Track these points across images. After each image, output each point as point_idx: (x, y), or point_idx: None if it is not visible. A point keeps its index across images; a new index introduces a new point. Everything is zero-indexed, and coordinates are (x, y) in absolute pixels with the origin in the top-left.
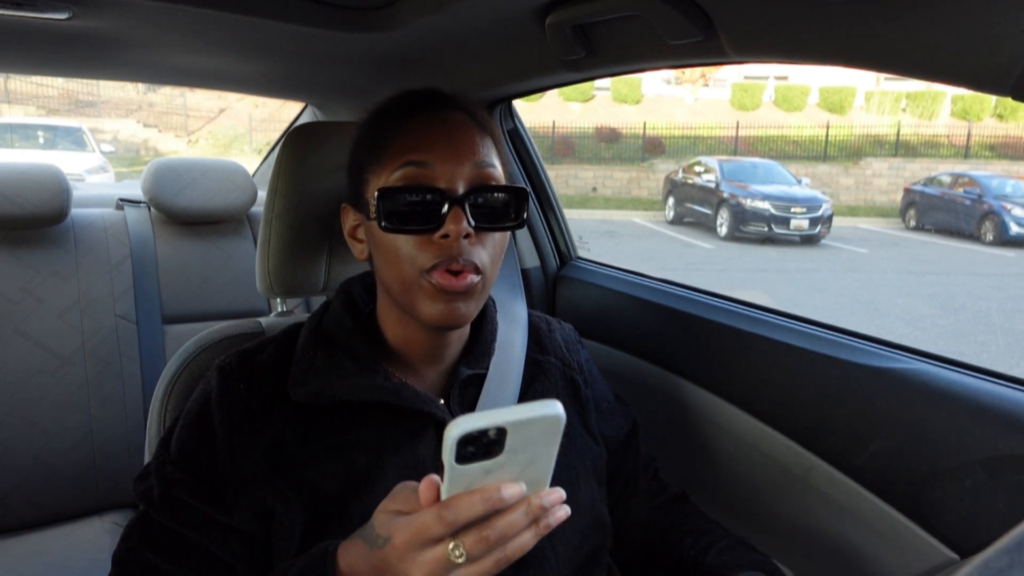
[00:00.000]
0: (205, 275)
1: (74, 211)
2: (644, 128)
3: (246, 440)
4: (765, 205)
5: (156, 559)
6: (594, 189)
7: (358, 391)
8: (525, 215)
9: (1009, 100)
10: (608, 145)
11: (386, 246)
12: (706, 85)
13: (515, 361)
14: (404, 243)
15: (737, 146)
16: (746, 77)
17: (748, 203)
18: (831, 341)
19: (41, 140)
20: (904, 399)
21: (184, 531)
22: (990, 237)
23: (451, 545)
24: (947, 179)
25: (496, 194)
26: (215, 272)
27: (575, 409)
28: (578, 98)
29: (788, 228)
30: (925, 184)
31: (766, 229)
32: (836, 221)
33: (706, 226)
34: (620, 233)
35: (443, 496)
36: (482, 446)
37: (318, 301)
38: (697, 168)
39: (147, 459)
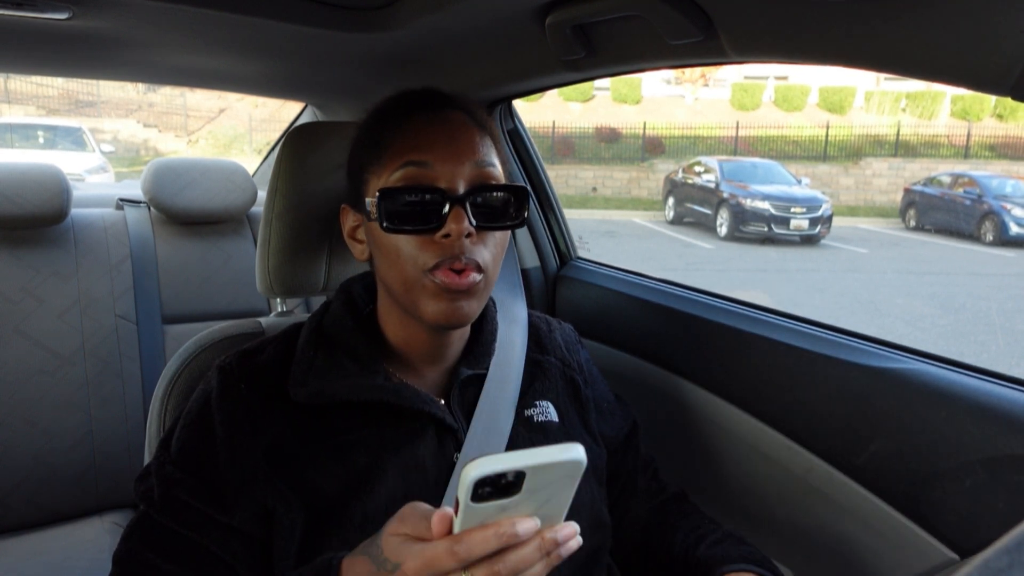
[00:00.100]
0: (205, 275)
1: (74, 211)
2: (644, 128)
3: (246, 440)
4: (765, 205)
5: (157, 559)
6: (594, 189)
7: (358, 391)
8: (526, 214)
9: (1009, 100)
10: (608, 145)
11: (387, 246)
12: (706, 85)
13: (515, 361)
14: (405, 243)
15: (737, 146)
16: (746, 77)
17: (748, 203)
18: (831, 341)
19: (41, 140)
20: (904, 399)
21: (184, 531)
22: (990, 237)
23: None
24: (947, 179)
25: (497, 193)
26: (215, 272)
27: (575, 409)
28: (578, 98)
29: (788, 228)
30: (925, 184)
31: (766, 229)
32: (836, 221)
33: (706, 226)
34: (620, 233)
35: (456, 529)
36: (499, 487)
37: (318, 301)
38: (697, 168)
39: (147, 459)
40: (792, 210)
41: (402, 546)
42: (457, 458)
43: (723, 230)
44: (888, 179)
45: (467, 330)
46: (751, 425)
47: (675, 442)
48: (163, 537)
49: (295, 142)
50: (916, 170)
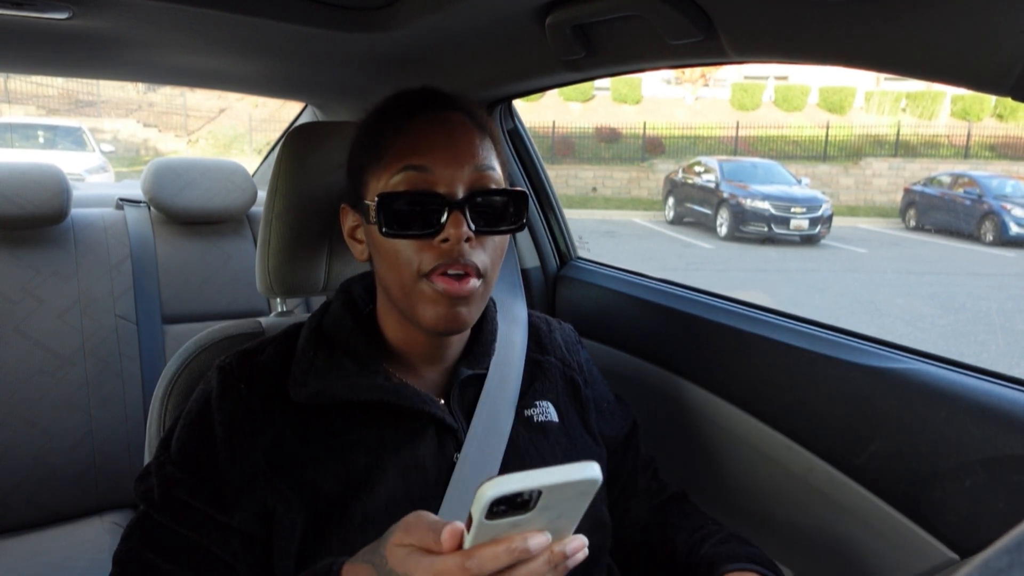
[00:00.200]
0: (205, 275)
1: (74, 211)
2: (644, 128)
3: (246, 440)
4: (765, 205)
5: (157, 559)
6: (594, 189)
7: (358, 391)
8: (525, 218)
9: (1009, 100)
10: (608, 145)
11: (386, 249)
12: (706, 85)
13: (515, 361)
14: (404, 247)
15: (737, 146)
16: (746, 77)
17: (748, 203)
18: (831, 341)
19: (41, 140)
20: (904, 399)
21: (185, 531)
22: (990, 237)
23: None
24: (947, 179)
25: (496, 197)
26: (215, 272)
27: (575, 409)
28: (578, 98)
29: (788, 228)
30: (925, 184)
31: (766, 229)
32: (836, 221)
33: (706, 226)
34: (620, 233)
35: (467, 544)
36: (514, 504)
37: (318, 301)
38: (697, 168)
39: (147, 459)
40: (792, 210)
41: (409, 557)
42: (457, 458)
43: (723, 230)
44: (888, 179)
45: (467, 330)
46: (751, 425)
47: (675, 442)
48: (163, 537)
49: (295, 142)
50: (916, 170)
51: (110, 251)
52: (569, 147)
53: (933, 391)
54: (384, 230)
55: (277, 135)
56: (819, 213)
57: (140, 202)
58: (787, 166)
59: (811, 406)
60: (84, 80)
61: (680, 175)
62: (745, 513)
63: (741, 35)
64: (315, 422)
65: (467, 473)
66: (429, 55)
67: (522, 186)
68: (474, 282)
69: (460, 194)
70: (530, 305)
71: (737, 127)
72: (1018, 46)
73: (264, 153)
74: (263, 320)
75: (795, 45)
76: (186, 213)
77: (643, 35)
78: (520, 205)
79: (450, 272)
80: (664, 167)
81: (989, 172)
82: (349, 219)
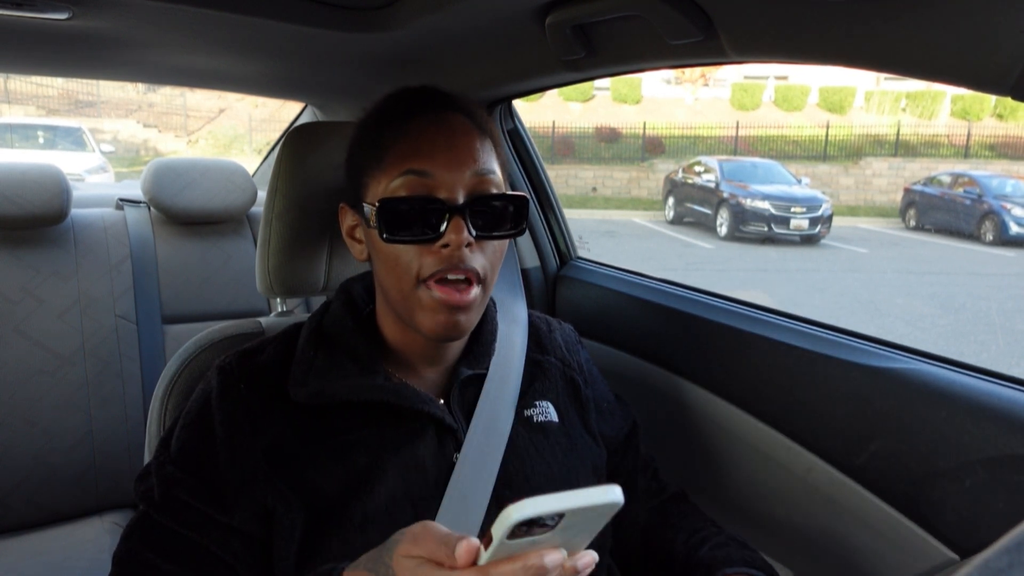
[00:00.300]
0: (205, 275)
1: (74, 211)
2: (644, 128)
3: (246, 440)
4: (765, 205)
5: (157, 559)
6: (594, 189)
7: (358, 391)
8: (525, 222)
9: (1009, 100)
10: (608, 145)
11: (386, 253)
12: (706, 85)
13: (515, 361)
14: (404, 251)
15: (737, 146)
16: (746, 77)
17: (748, 203)
18: (831, 341)
19: (41, 140)
20: (904, 399)
21: (184, 531)
22: (990, 237)
23: None
24: (947, 179)
25: (497, 202)
26: (215, 272)
27: (575, 409)
28: (578, 98)
29: (788, 228)
30: (925, 184)
31: (766, 229)
32: (836, 221)
33: (706, 226)
34: (620, 233)
35: (482, 561)
36: (535, 525)
37: (318, 301)
38: (697, 168)
39: (147, 459)
40: (792, 210)
41: (419, 570)
42: (457, 458)
43: (723, 230)
44: (888, 179)
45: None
46: (751, 425)
47: (675, 442)
48: (163, 537)
49: (295, 142)
50: (916, 170)
51: (110, 251)
52: (569, 147)
53: (933, 391)
54: (385, 236)
55: (277, 135)
56: (819, 213)
57: (140, 202)
58: (787, 166)
59: (811, 406)
60: (84, 80)
61: (680, 175)
62: (745, 513)
63: (741, 35)
64: (315, 422)
65: (467, 473)
66: (429, 55)
67: (522, 186)
68: (474, 292)
69: (461, 199)
70: (530, 305)
71: (737, 127)
72: (1018, 46)
73: (264, 153)
74: (263, 320)
75: (795, 45)
76: (186, 213)
77: (643, 35)
78: (521, 209)
79: (450, 277)
80: (664, 167)
81: (989, 172)
82: (348, 219)
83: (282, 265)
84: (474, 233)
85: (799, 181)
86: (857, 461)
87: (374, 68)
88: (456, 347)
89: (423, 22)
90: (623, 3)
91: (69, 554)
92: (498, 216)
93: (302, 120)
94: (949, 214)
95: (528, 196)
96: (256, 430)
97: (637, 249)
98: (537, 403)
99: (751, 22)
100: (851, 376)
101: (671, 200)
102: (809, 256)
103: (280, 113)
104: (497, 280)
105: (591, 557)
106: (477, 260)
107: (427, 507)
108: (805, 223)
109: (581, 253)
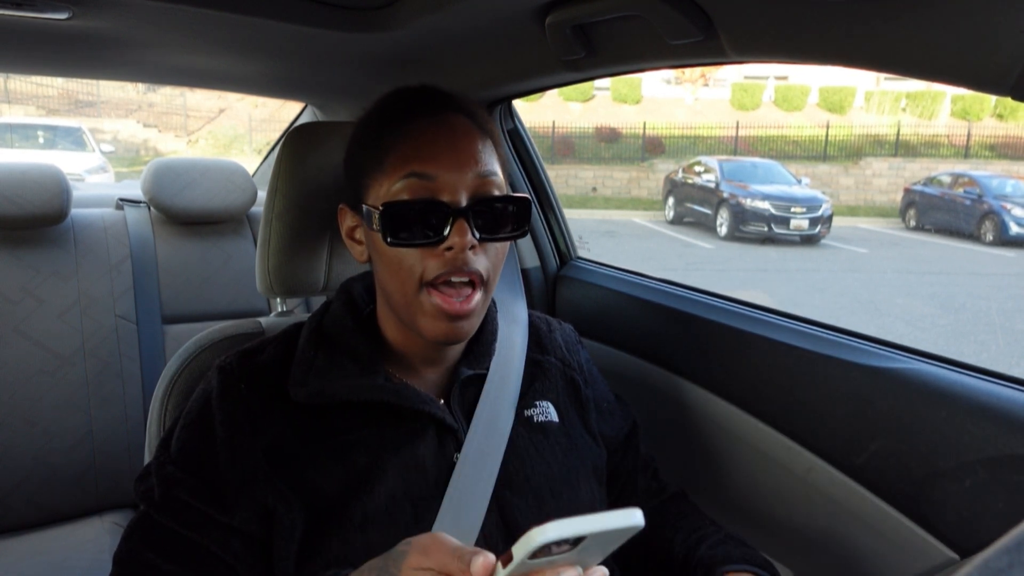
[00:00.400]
0: (205, 275)
1: (74, 211)
2: (644, 128)
3: (247, 440)
4: (765, 205)
5: (157, 559)
6: (594, 189)
7: (359, 391)
8: (528, 224)
9: (1009, 100)
10: (608, 145)
11: (388, 256)
12: (706, 85)
13: (515, 361)
14: (407, 254)
15: (737, 146)
16: (746, 77)
17: (748, 203)
18: (831, 341)
19: (41, 140)
20: (904, 399)
21: (185, 531)
22: (990, 237)
23: None
24: (947, 179)
25: (499, 204)
26: (215, 272)
27: (575, 409)
28: (578, 98)
29: (788, 228)
30: (925, 184)
31: (766, 229)
32: (836, 221)
33: (706, 226)
34: (620, 233)
35: (498, 575)
36: (555, 545)
37: (318, 301)
38: (697, 168)
39: (147, 459)
40: (792, 210)
41: None
42: (457, 458)
43: (723, 230)
44: (888, 179)
45: None
46: (751, 425)
47: (675, 442)
48: (163, 537)
49: (295, 142)
50: (916, 170)
51: (110, 251)
52: (569, 147)
53: (933, 391)
54: (389, 239)
55: (277, 135)
56: (819, 213)
57: (140, 202)
58: (787, 166)
59: (811, 406)
60: (84, 80)
61: (680, 175)
62: (745, 513)
63: (741, 35)
64: (315, 422)
65: (467, 473)
66: (429, 55)
67: (522, 186)
68: (476, 299)
69: (463, 201)
70: (530, 305)
71: (737, 127)
72: (1018, 46)
73: (264, 153)
74: (263, 320)
75: (795, 45)
76: (186, 213)
77: (643, 35)
78: (523, 211)
79: (454, 280)
80: (664, 167)
81: (989, 172)
82: (348, 219)
83: (282, 265)
84: (478, 235)
85: (799, 181)
86: (857, 461)
87: (374, 68)
88: (456, 347)
89: (423, 22)
90: (623, 3)
91: (69, 554)
92: (501, 218)
93: (302, 120)
94: (949, 214)
95: (529, 196)
96: (256, 430)
97: (637, 249)
98: (537, 403)
99: (751, 22)
100: (851, 376)
101: (671, 200)
102: (809, 256)
103: (280, 113)
104: (497, 280)
105: (603, 573)
106: (480, 262)
107: (427, 507)
108: (805, 223)
109: (581, 253)
